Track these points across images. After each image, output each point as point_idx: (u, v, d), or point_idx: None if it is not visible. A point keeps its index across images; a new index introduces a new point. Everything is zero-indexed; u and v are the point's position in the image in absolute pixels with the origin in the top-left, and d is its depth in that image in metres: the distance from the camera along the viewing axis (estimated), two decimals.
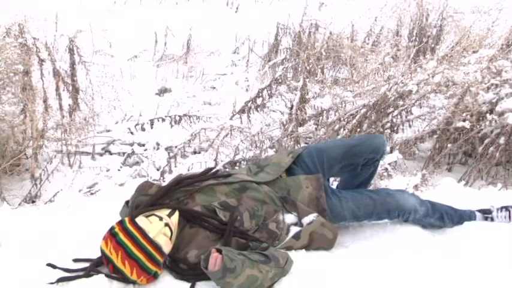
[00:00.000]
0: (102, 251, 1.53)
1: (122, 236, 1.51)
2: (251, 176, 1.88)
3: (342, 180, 2.23)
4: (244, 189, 1.78)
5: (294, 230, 1.78)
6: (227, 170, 2.02)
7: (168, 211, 1.62)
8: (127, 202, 1.79)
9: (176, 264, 1.61)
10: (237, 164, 3.35)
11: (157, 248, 1.52)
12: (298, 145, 3.51)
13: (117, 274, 1.51)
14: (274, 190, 1.84)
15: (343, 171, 2.10)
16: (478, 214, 2.06)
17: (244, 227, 1.69)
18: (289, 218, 1.81)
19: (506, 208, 2.05)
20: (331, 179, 2.67)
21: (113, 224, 1.59)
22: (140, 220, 1.56)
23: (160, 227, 1.55)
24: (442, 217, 1.99)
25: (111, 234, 1.53)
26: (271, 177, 1.87)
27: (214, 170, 1.88)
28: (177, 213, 1.63)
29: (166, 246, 1.56)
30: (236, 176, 1.84)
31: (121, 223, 1.56)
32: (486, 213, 2.06)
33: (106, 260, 1.53)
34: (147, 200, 1.70)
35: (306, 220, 1.80)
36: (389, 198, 1.91)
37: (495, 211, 2.06)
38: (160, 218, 1.57)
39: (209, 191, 1.76)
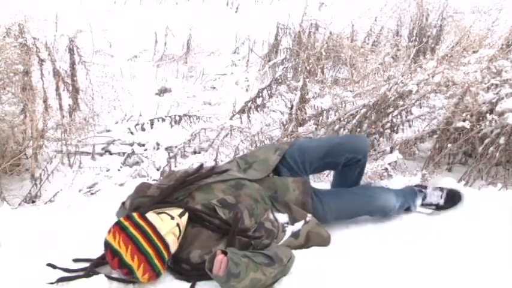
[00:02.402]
0: (109, 245, 1.51)
1: (132, 229, 1.50)
2: (241, 172, 1.89)
3: (332, 183, 2.27)
4: (240, 186, 1.79)
5: (290, 228, 1.79)
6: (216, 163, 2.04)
7: (179, 211, 1.61)
8: (123, 203, 1.79)
9: (178, 265, 1.61)
10: None
11: (167, 246, 1.52)
12: None
13: (121, 269, 1.49)
14: (263, 189, 1.85)
15: (325, 168, 2.20)
16: (415, 189, 2.19)
17: (245, 225, 1.70)
18: (281, 217, 1.83)
19: (441, 189, 2.15)
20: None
21: (120, 219, 1.58)
22: (151, 216, 1.55)
23: (171, 226, 1.54)
24: (408, 206, 2.14)
25: (120, 227, 1.51)
26: (260, 175, 1.90)
27: (210, 167, 1.88)
28: (187, 215, 1.63)
29: (174, 246, 1.56)
30: (230, 173, 1.85)
31: (129, 218, 1.54)
32: (422, 188, 2.18)
33: (112, 254, 1.50)
34: (146, 201, 1.69)
35: (301, 222, 1.81)
36: (371, 200, 2.00)
37: (430, 188, 2.17)
38: (172, 217, 1.57)
39: (207, 188, 1.76)
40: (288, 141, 2.12)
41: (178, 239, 1.57)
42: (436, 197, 2.14)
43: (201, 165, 1.90)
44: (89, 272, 1.52)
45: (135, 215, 1.55)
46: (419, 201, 2.15)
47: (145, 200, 1.70)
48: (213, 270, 1.46)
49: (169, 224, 1.54)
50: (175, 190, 1.71)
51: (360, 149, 2.08)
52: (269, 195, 1.85)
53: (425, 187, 2.20)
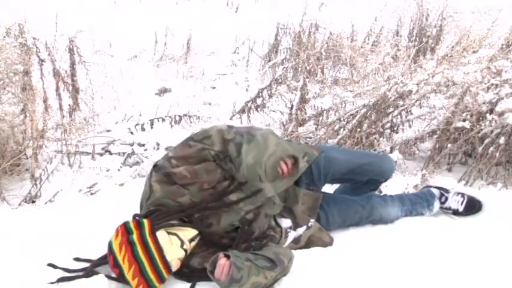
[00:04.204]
0: (114, 255, 1.48)
1: (139, 248, 1.46)
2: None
3: (340, 188, 2.24)
4: (263, 206, 1.75)
5: (292, 234, 1.78)
6: None
7: (192, 234, 1.56)
8: (155, 166, 1.69)
9: (179, 269, 1.60)
10: None
11: (169, 269, 1.50)
12: None
13: (122, 280, 1.48)
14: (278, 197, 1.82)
15: (344, 182, 2.16)
16: (436, 191, 2.16)
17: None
18: (285, 222, 1.81)
19: (463, 194, 2.13)
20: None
21: (129, 222, 1.52)
22: (161, 236, 1.50)
23: (178, 254, 1.50)
24: (420, 212, 2.11)
25: (128, 241, 1.47)
26: (286, 185, 1.81)
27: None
28: (198, 238, 1.58)
29: (176, 267, 1.54)
30: (263, 193, 1.75)
31: (139, 227, 1.49)
32: (443, 191, 2.16)
33: (114, 263, 1.49)
34: (172, 205, 1.62)
35: (303, 227, 1.80)
36: (374, 212, 1.99)
37: (452, 193, 2.15)
38: (182, 243, 1.52)
39: (236, 210, 1.70)
40: (316, 146, 1.98)
41: (182, 261, 1.55)
42: (456, 203, 2.12)
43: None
44: (88, 272, 1.51)
45: (146, 226, 1.49)
46: (436, 205, 2.13)
47: (172, 204, 1.62)
48: (215, 274, 1.45)
49: (177, 252, 1.50)
50: (205, 209, 1.63)
51: (386, 174, 2.07)
52: (282, 206, 1.83)
53: (448, 191, 2.18)
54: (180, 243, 1.52)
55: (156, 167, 1.69)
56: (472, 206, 2.11)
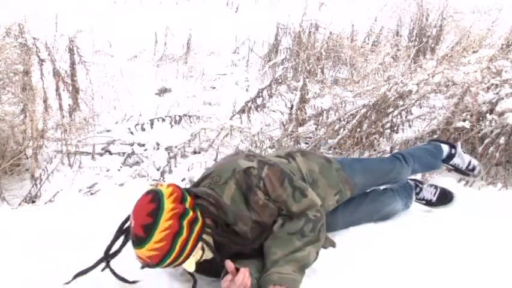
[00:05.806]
0: (155, 218, 1.34)
1: (184, 234, 1.37)
2: None
3: None
4: None
5: None
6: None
7: (208, 256, 1.49)
8: (248, 168, 1.56)
9: None
10: None
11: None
12: (298, 145, 3.51)
13: (137, 229, 1.35)
14: None
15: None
16: (412, 183, 2.19)
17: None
18: None
19: (436, 186, 2.18)
20: None
21: (186, 193, 1.42)
22: (197, 247, 1.43)
23: (190, 267, 1.44)
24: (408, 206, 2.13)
25: (179, 216, 1.36)
26: None
27: None
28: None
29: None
30: None
31: (194, 212, 1.42)
32: (418, 183, 2.20)
33: (146, 221, 1.35)
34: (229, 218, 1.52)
35: None
36: (380, 212, 2.00)
37: (426, 184, 2.20)
38: (199, 260, 1.46)
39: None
40: (350, 181, 1.88)
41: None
42: (429, 194, 2.18)
43: None
44: (100, 262, 1.48)
45: (199, 222, 1.40)
46: (414, 197, 2.17)
47: (231, 212, 1.51)
48: (235, 279, 1.38)
49: (191, 265, 1.42)
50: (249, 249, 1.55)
51: (401, 181, 2.10)
52: None
53: (422, 183, 2.23)
54: (199, 259, 1.46)
55: (248, 170, 1.56)
56: (444, 197, 2.15)
